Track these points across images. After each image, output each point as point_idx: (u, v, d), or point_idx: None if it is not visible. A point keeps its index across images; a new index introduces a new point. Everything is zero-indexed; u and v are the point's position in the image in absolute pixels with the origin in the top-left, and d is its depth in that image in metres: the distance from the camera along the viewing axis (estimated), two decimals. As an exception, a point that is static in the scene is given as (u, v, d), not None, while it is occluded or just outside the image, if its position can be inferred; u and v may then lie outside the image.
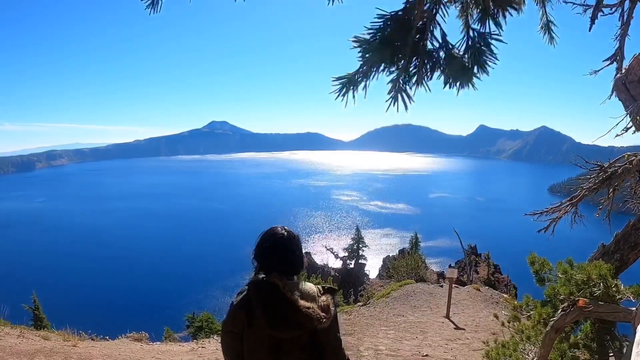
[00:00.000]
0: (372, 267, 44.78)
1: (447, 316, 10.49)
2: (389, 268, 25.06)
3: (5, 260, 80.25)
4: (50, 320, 25.29)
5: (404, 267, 20.36)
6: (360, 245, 38.62)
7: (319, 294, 1.91)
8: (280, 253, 1.94)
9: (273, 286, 1.84)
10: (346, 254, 39.10)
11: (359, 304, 15.13)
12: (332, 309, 1.89)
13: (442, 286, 17.78)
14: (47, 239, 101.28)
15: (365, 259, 39.27)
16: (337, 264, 40.86)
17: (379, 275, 36.73)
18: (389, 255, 43.11)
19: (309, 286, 1.93)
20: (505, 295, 17.22)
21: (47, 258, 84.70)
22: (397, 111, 1.26)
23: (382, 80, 1.29)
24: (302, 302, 1.81)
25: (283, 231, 2.00)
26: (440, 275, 30.62)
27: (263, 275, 1.91)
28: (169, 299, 61.27)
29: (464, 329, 9.25)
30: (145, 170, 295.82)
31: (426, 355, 6.80)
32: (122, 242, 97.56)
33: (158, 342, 7.89)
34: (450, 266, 37.22)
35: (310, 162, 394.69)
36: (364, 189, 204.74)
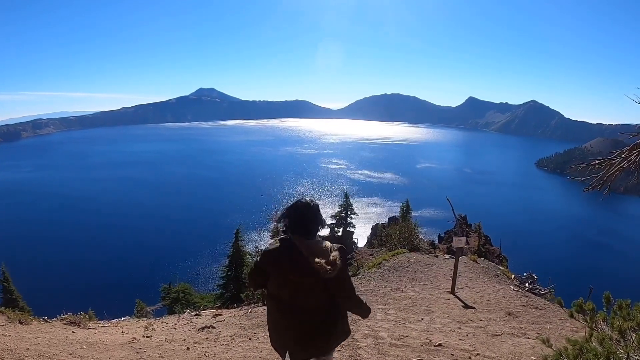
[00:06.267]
0: (360, 236, 43.83)
1: (453, 292, 9.15)
2: (381, 236, 23.82)
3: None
4: (22, 293, 23.71)
5: (397, 235, 19.06)
6: (349, 213, 37.47)
7: (331, 251, 2.39)
8: (298, 218, 2.54)
9: (293, 243, 2.43)
10: (334, 222, 37.94)
11: (348, 274, 13.88)
12: (339, 263, 2.34)
13: (437, 256, 16.65)
14: (32, 208, 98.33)
15: (353, 226, 38.23)
16: (323, 231, 39.66)
17: (368, 244, 35.76)
18: (378, 223, 42.15)
19: (324, 244, 2.45)
20: (501, 268, 16.19)
21: (30, 228, 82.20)
22: None
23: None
24: (312, 256, 2.32)
25: (304, 202, 2.62)
26: (432, 244, 29.73)
27: (289, 235, 2.51)
28: (152, 269, 59.98)
29: (474, 308, 7.91)
30: (132, 138, 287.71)
31: (439, 345, 5.40)
32: (108, 211, 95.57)
33: (106, 322, 6.34)
34: (446, 233, 36.38)
35: (298, 130, 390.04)
36: (352, 158, 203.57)
